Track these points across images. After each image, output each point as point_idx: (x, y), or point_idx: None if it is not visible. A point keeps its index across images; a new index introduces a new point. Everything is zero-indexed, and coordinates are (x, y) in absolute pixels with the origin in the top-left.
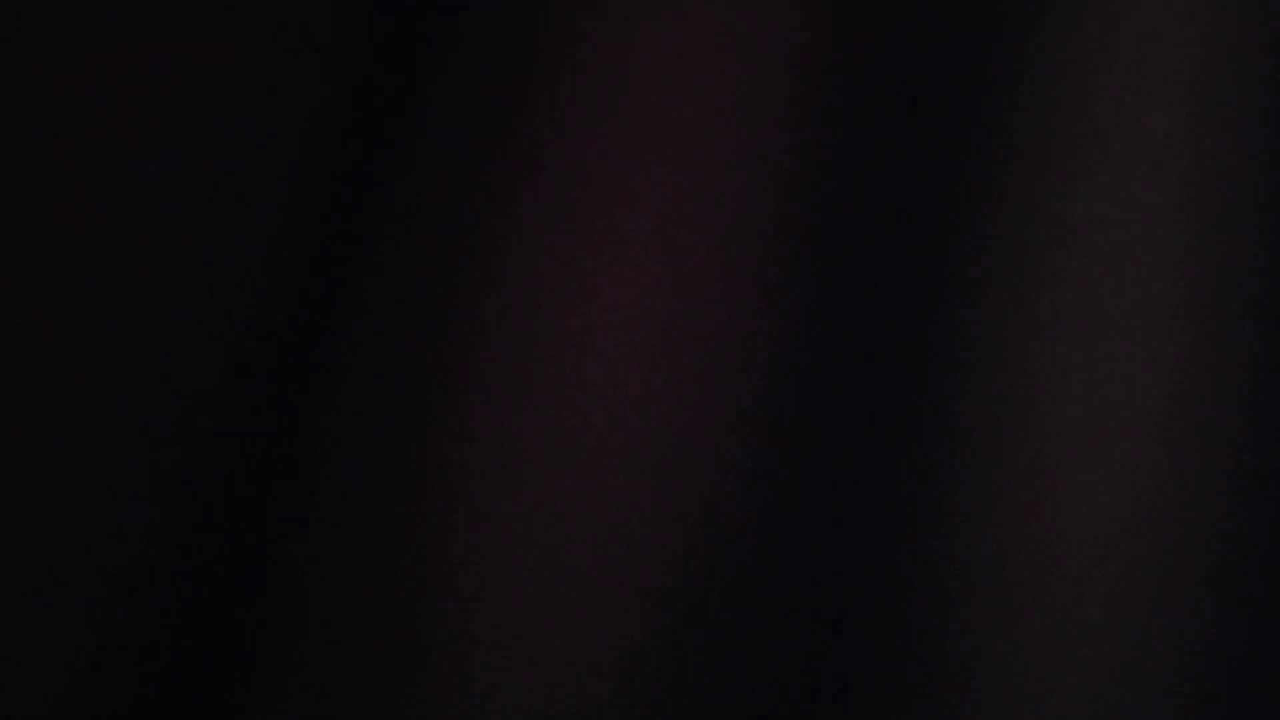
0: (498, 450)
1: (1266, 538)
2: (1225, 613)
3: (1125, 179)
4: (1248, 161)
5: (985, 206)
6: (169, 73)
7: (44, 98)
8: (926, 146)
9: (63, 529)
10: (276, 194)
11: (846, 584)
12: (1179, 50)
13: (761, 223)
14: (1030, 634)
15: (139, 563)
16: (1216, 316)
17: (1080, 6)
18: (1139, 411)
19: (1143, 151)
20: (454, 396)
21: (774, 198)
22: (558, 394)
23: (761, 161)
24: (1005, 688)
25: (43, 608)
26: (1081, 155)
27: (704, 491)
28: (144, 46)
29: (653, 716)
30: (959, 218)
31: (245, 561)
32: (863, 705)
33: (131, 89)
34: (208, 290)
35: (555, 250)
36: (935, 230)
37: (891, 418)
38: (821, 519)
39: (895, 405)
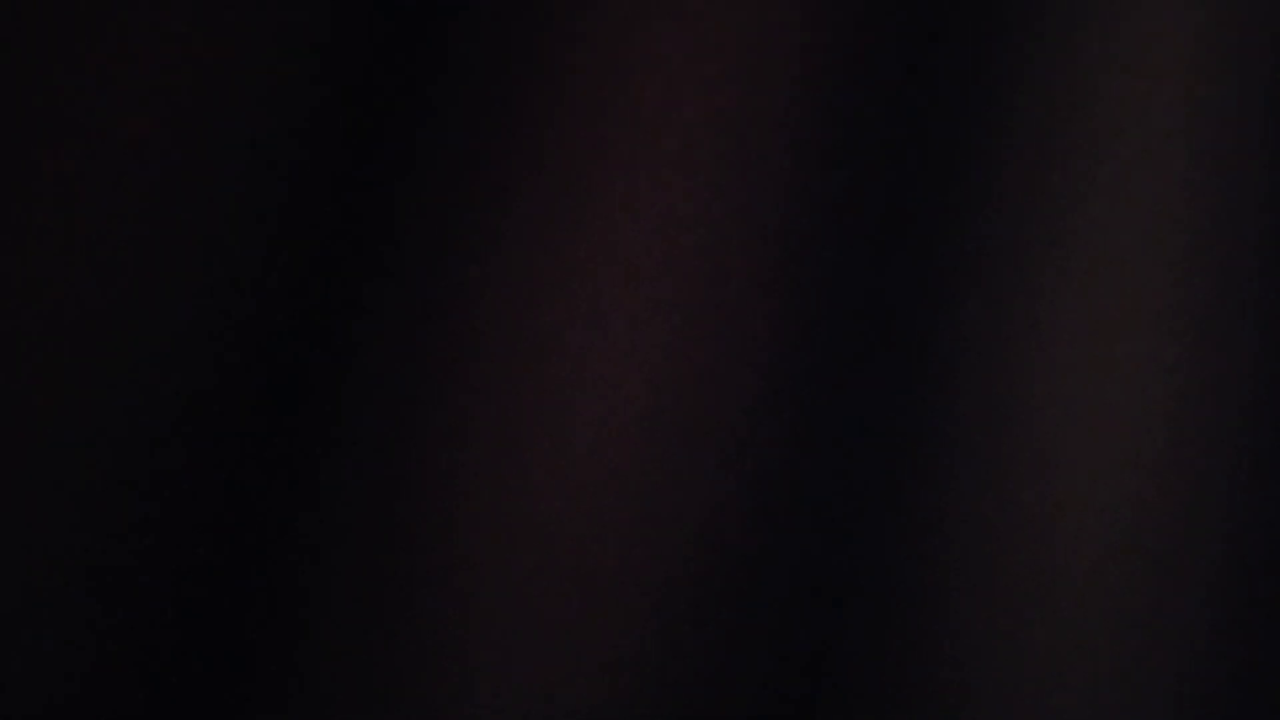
0: (498, 450)
1: (1266, 537)
2: (1225, 613)
3: (1125, 179)
4: (1248, 161)
5: (985, 206)
6: (168, 72)
7: (44, 97)
8: (926, 146)
9: (62, 528)
10: (276, 194)
11: (846, 584)
12: (1179, 50)
13: (761, 223)
14: (1030, 634)
15: (138, 562)
16: (1216, 316)
17: (1080, 6)
18: (1139, 411)
19: (1143, 151)
20: (454, 396)
21: (774, 198)
22: (558, 394)
23: (761, 161)
24: (1005, 688)
25: (42, 607)
26: (1081, 155)
27: (704, 491)
28: (143, 46)
29: (653, 716)
30: (959, 218)
31: (245, 561)
32: (863, 705)
33: (131, 89)
34: (207, 290)
35: (555, 250)
36: (935, 230)
37: (892, 417)
38: (821, 519)
39: (895, 405)
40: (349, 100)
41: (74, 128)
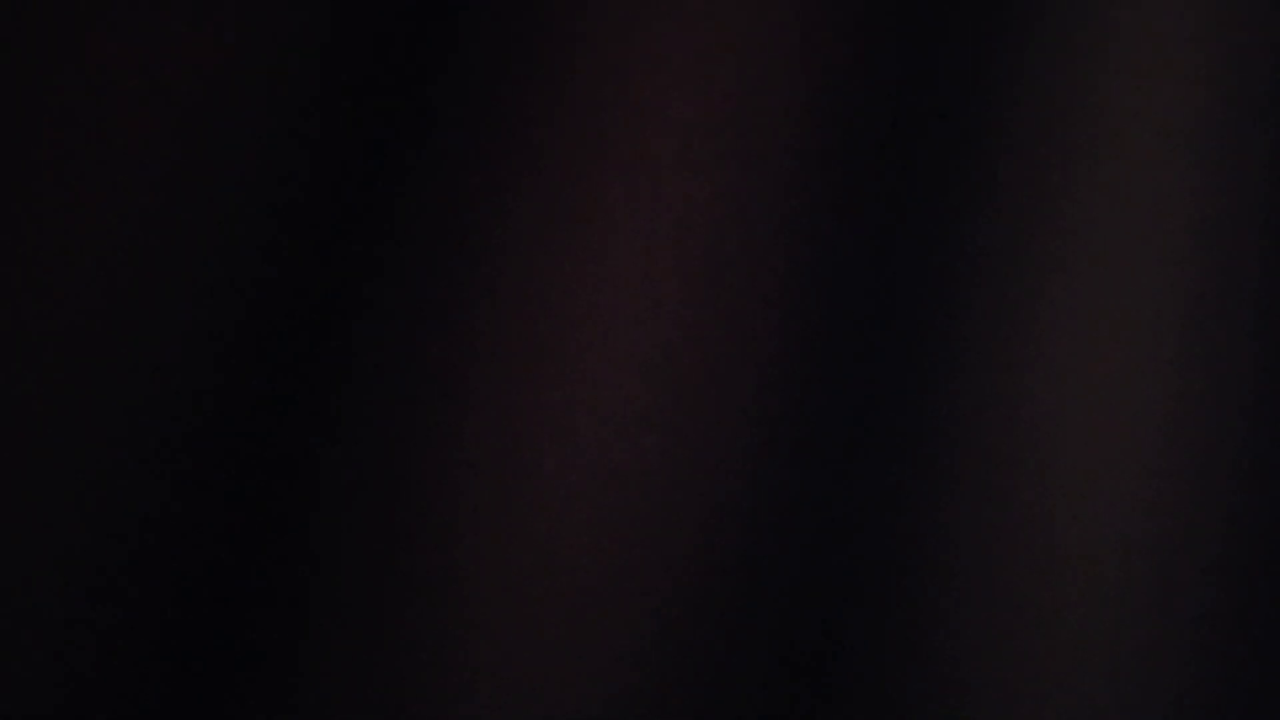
0: (498, 450)
1: (1266, 538)
2: (1225, 613)
3: (1125, 179)
4: (1248, 161)
5: (986, 206)
6: (169, 72)
7: (45, 97)
8: (927, 146)
9: (63, 529)
10: (276, 194)
11: (846, 584)
12: (1179, 50)
13: (762, 223)
14: (1030, 634)
15: (139, 562)
16: (1216, 316)
17: (1080, 6)
18: (1139, 411)
19: (1143, 151)
20: (454, 397)
21: (774, 198)
22: (558, 395)
23: (761, 161)
24: (1005, 688)
25: (43, 607)
26: (1082, 155)
27: (704, 491)
28: (144, 46)
29: (653, 716)
30: (959, 218)
31: (245, 561)
32: (863, 705)
33: (132, 89)
34: (208, 290)
35: (555, 250)
36: (935, 230)
37: (892, 418)
38: (822, 519)
39: (896, 405)
40: (349, 100)
41: (74, 128)
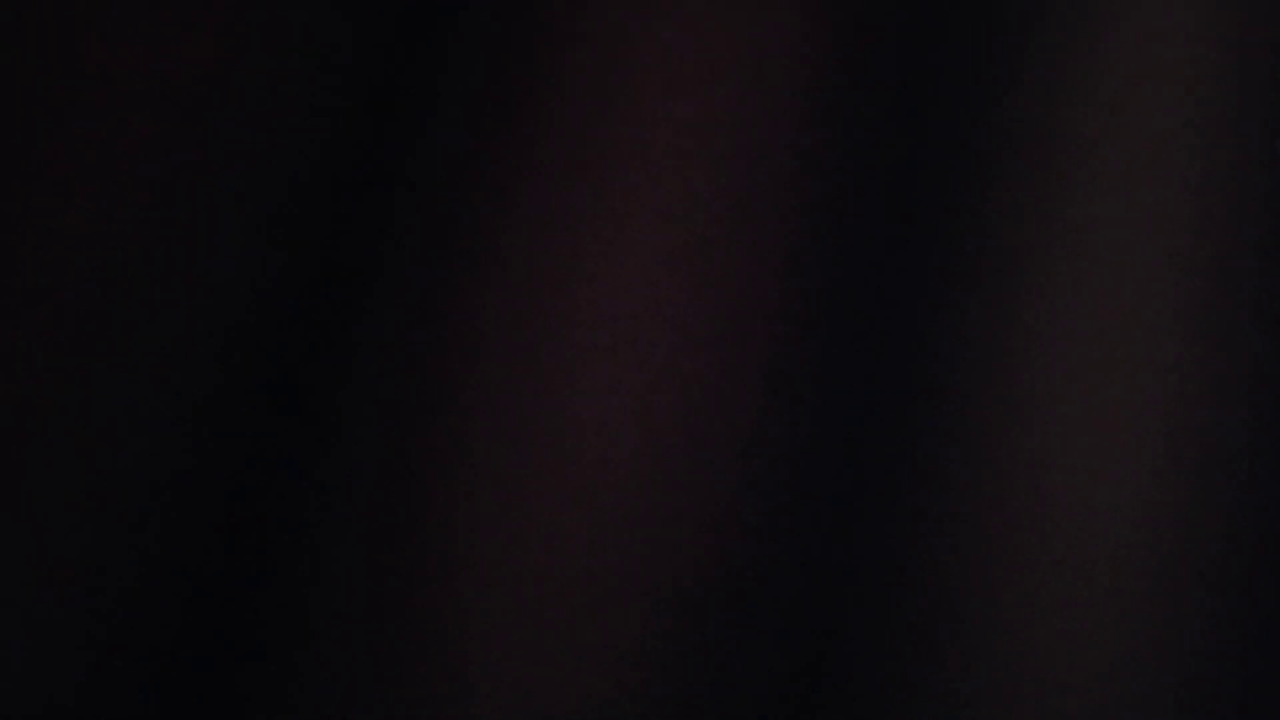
0: (498, 450)
1: (1267, 538)
2: (1225, 613)
3: (1125, 179)
4: (1248, 161)
5: (985, 206)
6: (170, 73)
7: (46, 97)
8: (927, 146)
9: (64, 529)
10: (277, 194)
11: (847, 585)
12: (1179, 50)
13: (762, 222)
14: (1030, 634)
15: (139, 562)
16: (1216, 317)
17: (1080, 6)
18: (1139, 411)
19: (1143, 151)
20: (455, 396)
21: (774, 197)
22: (559, 394)
23: (761, 161)
24: (1005, 688)
25: (43, 607)
26: (1082, 155)
27: (705, 492)
28: (146, 46)
29: (653, 716)
30: (959, 217)
31: (246, 561)
32: (863, 705)
33: (134, 89)
34: (209, 290)
35: (556, 250)
36: (935, 230)
37: (893, 417)
38: (823, 520)
39: (896, 405)
40: (350, 101)
41: (77, 127)
